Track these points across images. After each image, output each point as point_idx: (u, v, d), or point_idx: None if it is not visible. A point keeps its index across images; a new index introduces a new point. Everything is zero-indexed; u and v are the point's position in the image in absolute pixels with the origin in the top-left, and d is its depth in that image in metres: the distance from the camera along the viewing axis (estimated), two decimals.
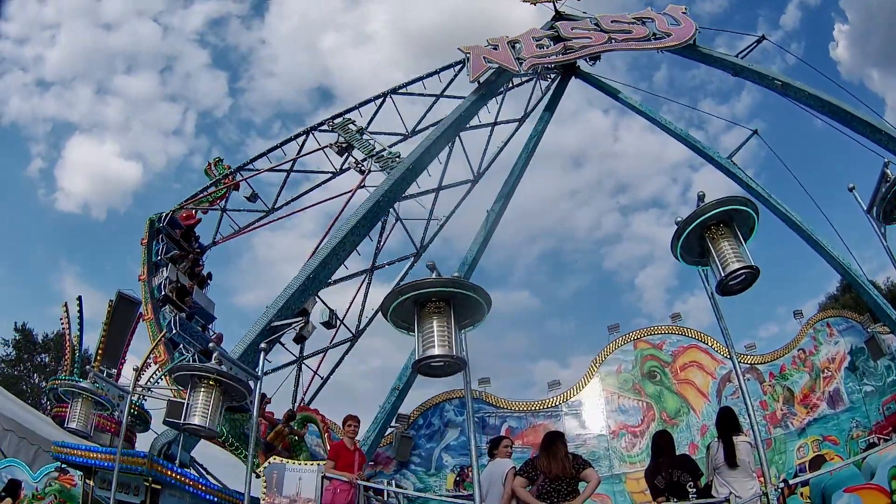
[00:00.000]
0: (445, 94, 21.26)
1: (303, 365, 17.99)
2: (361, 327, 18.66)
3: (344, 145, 19.65)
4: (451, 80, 21.24)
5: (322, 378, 18.17)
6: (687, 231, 6.10)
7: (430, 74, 21.29)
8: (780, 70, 20.37)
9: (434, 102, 21.34)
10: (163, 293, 16.14)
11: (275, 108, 79.32)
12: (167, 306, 15.97)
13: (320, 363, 18.43)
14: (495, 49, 20.46)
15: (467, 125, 20.10)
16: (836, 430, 18.07)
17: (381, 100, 20.78)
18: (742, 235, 6.18)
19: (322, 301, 17.27)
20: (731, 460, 6.74)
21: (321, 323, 17.30)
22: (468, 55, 20.20)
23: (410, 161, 17.42)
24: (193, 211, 19.53)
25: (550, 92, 23.41)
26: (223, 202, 20.46)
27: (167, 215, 18.38)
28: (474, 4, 66.58)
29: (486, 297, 5.71)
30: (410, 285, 5.73)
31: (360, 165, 18.91)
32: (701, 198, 6.19)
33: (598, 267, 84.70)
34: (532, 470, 6.71)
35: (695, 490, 6.91)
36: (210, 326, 17.82)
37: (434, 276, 5.74)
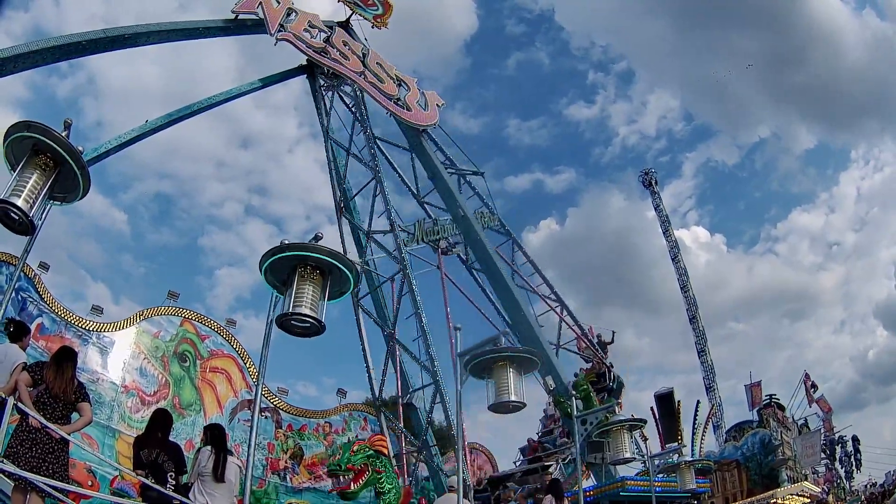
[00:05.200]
0: None
1: None
2: None
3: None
4: None
5: None
6: (280, 255, 6.05)
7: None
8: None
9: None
10: None
11: None
12: None
13: None
14: (276, 4, 19.78)
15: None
16: None
17: None
18: (330, 293, 6.27)
19: None
20: (219, 474, 6.72)
21: None
22: None
23: (121, 30, 16.48)
24: None
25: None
26: None
27: None
28: None
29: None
30: None
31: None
32: (318, 237, 6.19)
33: (193, 246, 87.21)
34: (39, 374, 6.40)
35: (174, 483, 6.99)
36: None
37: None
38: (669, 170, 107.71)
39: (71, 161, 5.68)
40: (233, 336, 20.63)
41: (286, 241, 6.22)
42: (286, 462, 19.75)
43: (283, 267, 6.15)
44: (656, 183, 54.49)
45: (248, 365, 20.11)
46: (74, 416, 6.49)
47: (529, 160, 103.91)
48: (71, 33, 16.08)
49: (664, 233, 52.94)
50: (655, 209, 53.78)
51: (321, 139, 22.73)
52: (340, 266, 6.13)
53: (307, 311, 6.01)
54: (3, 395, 6.23)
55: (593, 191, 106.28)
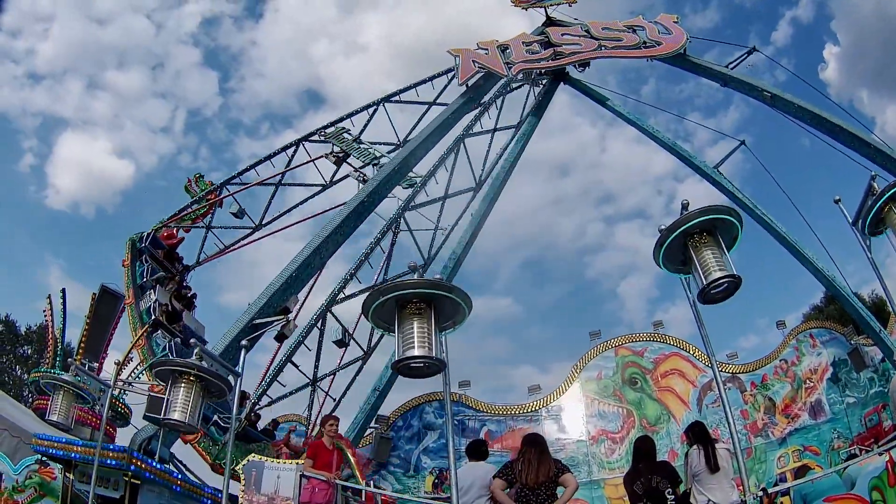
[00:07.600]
0: (438, 101, 20.81)
1: (316, 387, 17.49)
2: (373, 345, 17.88)
3: (340, 154, 18.89)
4: (444, 88, 20.89)
5: (335, 399, 17.75)
6: (670, 239, 6.09)
7: (422, 82, 20.85)
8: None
9: (426, 111, 20.85)
10: (153, 317, 15.36)
11: (264, 109, 79.28)
12: (159, 331, 15.33)
13: (331, 383, 18.03)
14: (485, 53, 20.39)
15: (470, 132, 20.03)
16: (817, 441, 18.05)
17: (373, 108, 20.16)
18: (725, 244, 6.15)
19: (336, 318, 17.00)
20: (713, 465, 6.73)
21: (333, 342, 16.79)
22: (458, 57, 20.06)
23: (395, 163, 17.18)
24: (175, 230, 18.72)
25: (538, 97, 23.28)
26: (207, 219, 19.48)
27: (149, 234, 17.54)
28: (468, 18, 66.69)
29: (467, 299, 5.71)
30: (392, 286, 5.76)
31: (359, 174, 18.04)
32: (685, 206, 6.14)
33: (580, 275, 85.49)
34: (510, 472, 6.64)
35: (673, 497, 6.93)
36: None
37: (416, 277, 5.76)
38: None
39: (442, 293, 5.74)
40: (665, 335, 20.71)
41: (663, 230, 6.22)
42: (763, 418, 19.03)
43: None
44: None
45: (692, 352, 19.94)
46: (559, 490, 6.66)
47: (773, 7, 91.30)
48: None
49: None
50: None
51: (616, 123, 22.60)
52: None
53: (719, 274, 5.99)
54: None
55: None
